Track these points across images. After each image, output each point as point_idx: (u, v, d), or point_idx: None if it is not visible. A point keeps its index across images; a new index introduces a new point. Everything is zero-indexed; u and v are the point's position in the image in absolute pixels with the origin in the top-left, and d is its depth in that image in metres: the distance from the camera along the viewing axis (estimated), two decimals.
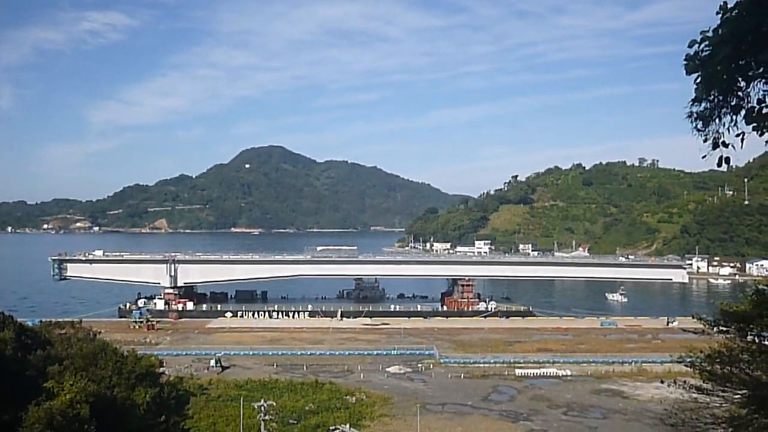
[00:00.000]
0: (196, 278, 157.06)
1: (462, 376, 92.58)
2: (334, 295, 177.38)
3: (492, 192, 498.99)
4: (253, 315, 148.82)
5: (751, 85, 8.58)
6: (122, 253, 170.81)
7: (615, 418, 72.65)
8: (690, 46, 8.95)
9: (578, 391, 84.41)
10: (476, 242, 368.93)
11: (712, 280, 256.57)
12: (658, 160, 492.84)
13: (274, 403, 61.13)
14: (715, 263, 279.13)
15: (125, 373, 53.39)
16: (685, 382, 26.52)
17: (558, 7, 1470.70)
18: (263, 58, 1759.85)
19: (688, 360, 26.97)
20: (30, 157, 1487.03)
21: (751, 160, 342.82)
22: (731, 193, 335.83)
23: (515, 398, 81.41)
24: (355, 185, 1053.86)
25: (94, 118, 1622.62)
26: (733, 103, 8.83)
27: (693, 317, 30.49)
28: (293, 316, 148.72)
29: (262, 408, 56.99)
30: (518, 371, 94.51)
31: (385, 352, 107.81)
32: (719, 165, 9.39)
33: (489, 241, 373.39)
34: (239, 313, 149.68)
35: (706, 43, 8.75)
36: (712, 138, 9.13)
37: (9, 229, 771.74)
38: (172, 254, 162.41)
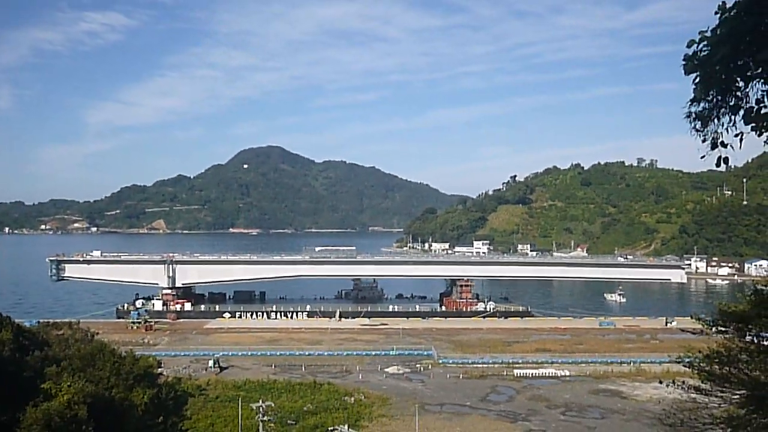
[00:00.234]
0: (194, 279, 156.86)
1: (460, 376, 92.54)
2: (332, 296, 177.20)
3: (490, 192, 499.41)
4: (252, 315, 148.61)
5: (750, 85, 8.56)
6: (120, 254, 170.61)
7: (613, 419, 72.63)
8: (688, 46, 8.94)
9: (577, 392, 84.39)
10: (475, 242, 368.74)
11: (710, 280, 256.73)
12: (656, 160, 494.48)
13: (273, 404, 61.11)
14: (713, 263, 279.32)
15: (123, 373, 53.34)
16: (683, 382, 26.50)
17: (556, 7, 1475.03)
18: (262, 59, 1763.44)
19: (687, 360, 26.94)
20: (28, 157, 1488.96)
21: (749, 160, 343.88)
22: (730, 193, 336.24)
23: (514, 398, 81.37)
24: (354, 185, 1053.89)
25: (92, 118, 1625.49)
26: (731, 103, 8.81)
27: (691, 317, 30.47)
28: (291, 317, 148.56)
29: (261, 408, 56.94)
30: (517, 371, 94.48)
31: (383, 353, 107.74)
32: (718, 165, 9.39)
33: (487, 242, 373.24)
34: (237, 314, 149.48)
35: (705, 43, 8.73)
36: (710, 138, 9.12)
37: (6, 229, 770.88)
38: (170, 255, 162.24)
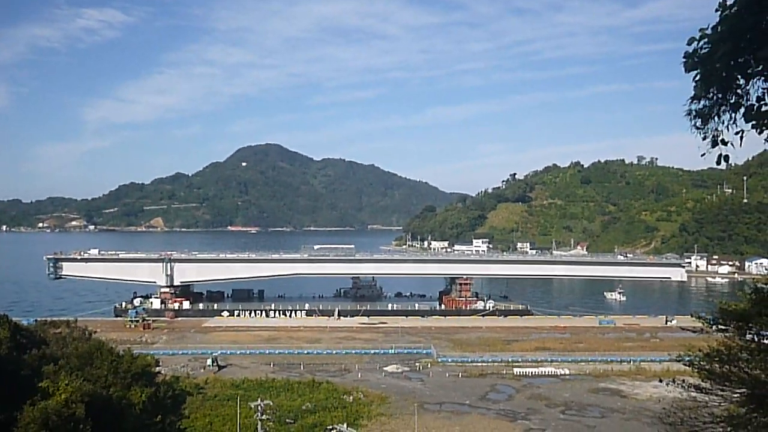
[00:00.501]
0: (192, 277, 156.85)
1: (460, 375, 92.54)
2: (331, 294, 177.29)
3: (490, 190, 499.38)
4: (250, 314, 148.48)
5: (750, 83, 8.51)
6: (118, 252, 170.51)
7: (613, 417, 72.64)
8: (689, 44, 8.87)
9: (576, 390, 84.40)
10: (474, 241, 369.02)
11: (710, 279, 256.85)
12: (656, 158, 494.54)
13: (271, 403, 60.98)
14: (713, 261, 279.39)
15: (121, 372, 53.21)
16: (683, 380, 26.36)
17: (555, 4, 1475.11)
18: (260, 56, 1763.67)
19: (687, 359, 26.81)
20: (25, 155, 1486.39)
21: (750, 158, 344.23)
22: (730, 191, 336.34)
23: (513, 397, 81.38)
24: (353, 183, 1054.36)
25: (89, 116, 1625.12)
26: (732, 101, 8.75)
27: (691, 316, 30.35)
28: (290, 315, 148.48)
29: (259, 407, 56.87)
30: (516, 370, 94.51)
31: (382, 351, 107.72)
32: (718, 163, 9.31)
33: (487, 240, 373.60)
34: (236, 312, 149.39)
35: (705, 40, 8.67)
36: (711, 136, 9.05)
37: (4, 227, 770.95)
38: (169, 253, 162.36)
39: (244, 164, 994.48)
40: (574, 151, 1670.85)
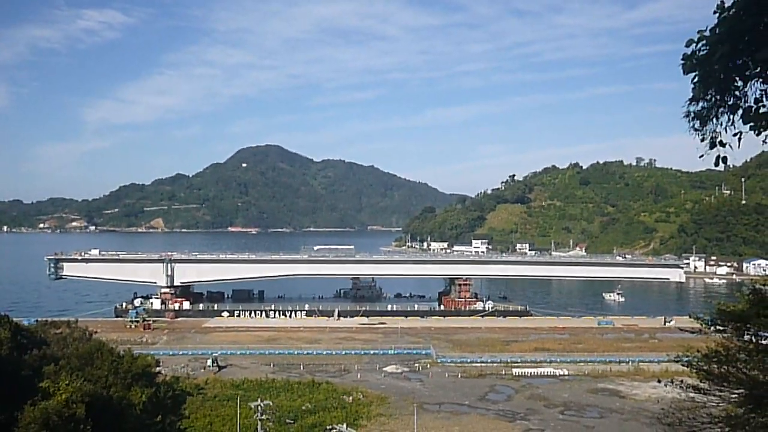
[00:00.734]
0: (192, 277, 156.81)
1: (459, 375, 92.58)
2: (331, 295, 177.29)
3: (489, 191, 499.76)
4: (250, 314, 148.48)
5: (749, 85, 8.55)
6: (118, 253, 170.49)
7: (612, 418, 72.70)
8: (687, 45, 8.92)
9: (575, 391, 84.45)
10: (473, 241, 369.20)
11: (709, 280, 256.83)
12: (655, 160, 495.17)
13: (271, 403, 61.05)
14: (712, 263, 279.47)
15: (121, 372, 53.29)
16: (682, 381, 26.48)
17: (555, 5, 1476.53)
18: (259, 57, 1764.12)
19: (685, 359, 26.94)
20: (26, 156, 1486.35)
21: (748, 160, 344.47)
22: (728, 192, 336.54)
23: (512, 398, 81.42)
24: (352, 184, 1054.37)
25: (89, 116, 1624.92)
26: (730, 103, 8.80)
27: (690, 317, 30.47)
28: (290, 316, 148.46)
29: (259, 408, 56.93)
30: (515, 371, 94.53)
31: (382, 352, 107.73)
32: (716, 164, 9.36)
33: (486, 241, 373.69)
34: (236, 313, 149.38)
35: (704, 42, 8.72)
36: (709, 137, 9.10)
37: (5, 228, 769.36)
38: (169, 253, 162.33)
39: (244, 165, 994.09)
40: (574, 153, 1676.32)
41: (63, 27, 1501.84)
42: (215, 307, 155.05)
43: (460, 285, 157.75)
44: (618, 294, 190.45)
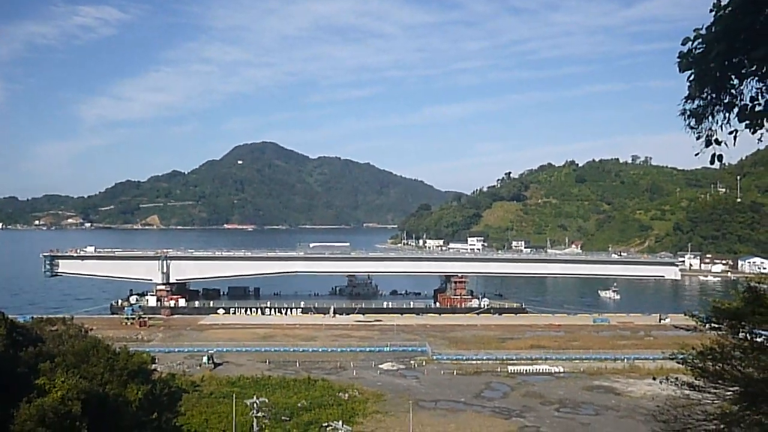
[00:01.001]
0: (188, 275, 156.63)
1: (455, 372, 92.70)
2: (326, 292, 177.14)
3: (485, 189, 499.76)
4: (246, 312, 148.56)
5: (744, 83, 8.56)
6: (114, 250, 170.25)
7: (607, 415, 72.90)
8: (683, 44, 8.93)
9: (571, 388, 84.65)
10: (469, 239, 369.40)
11: (704, 278, 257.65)
12: (651, 158, 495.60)
13: (267, 400, 61.11)
14: (707, 260, 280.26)
15: (117, 369, 53.27)
16: (677, 378, 26.51)
17: (552, 3, 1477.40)
18: (256, 54, 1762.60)
19: (680, 357, 26.99)
20: (21, 152, 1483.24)
21: (743, 158, 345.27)
22: (724, 190, 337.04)
23: (508, 395, 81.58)
24: (348, 182, 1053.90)
25: (85, 113, 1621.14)
26: (726, 101, 8.81)
27: (685, 314, 30.59)
28: (286, 313, 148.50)
29: (255, 405, 56.94)
30: (511, 368, 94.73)
31: (377, 349, 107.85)
32: (712, 162, 9.38)
33: (482, 238, 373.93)
34: (232, 310, 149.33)
35: (700, 40, 8.73)
36: (705, 135, 9.12)
37: (0, 225, 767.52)
38: (165, 250, 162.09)
39: (240, 162, 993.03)
40: (569, 150, 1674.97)
41: (59, 23, 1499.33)
42: (211, 305, 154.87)
43: (455, 282, 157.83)
44: (613, 291, 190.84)
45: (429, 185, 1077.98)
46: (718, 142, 9.05)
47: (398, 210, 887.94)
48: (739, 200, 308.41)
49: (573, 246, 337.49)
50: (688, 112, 9.24)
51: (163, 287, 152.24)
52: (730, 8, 8.32)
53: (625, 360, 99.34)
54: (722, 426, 23.39)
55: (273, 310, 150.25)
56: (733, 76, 8.59)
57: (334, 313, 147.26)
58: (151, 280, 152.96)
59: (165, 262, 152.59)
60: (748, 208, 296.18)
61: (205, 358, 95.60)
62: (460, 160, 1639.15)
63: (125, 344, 70.15)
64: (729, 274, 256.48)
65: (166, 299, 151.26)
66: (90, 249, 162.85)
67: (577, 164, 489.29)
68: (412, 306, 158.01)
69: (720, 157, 9.18)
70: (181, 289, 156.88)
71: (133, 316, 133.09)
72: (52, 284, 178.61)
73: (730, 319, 25.98)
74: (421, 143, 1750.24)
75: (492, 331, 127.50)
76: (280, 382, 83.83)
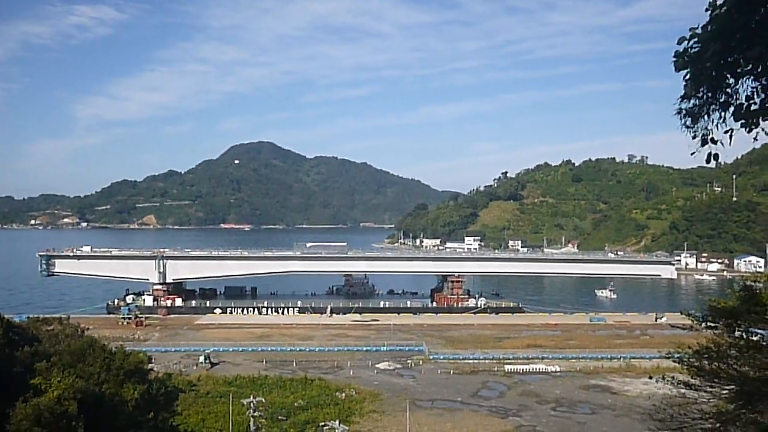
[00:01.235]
0: (185, 274, 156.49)
1: (451, 372, 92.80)
2: (323, 292, 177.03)
3: (481, 188, 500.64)
4: (243, 311, 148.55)
5: (740, 82, 8.59)
6: (110, 249, 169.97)
7: (604, 414, 73.04)
8: (679, 43, 8.95)
9: (567, 387, 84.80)
10: (466, 238, 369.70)
11: (700, 277, 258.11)
12: (647, 157, 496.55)
13: (264, 400, 61.13)
14: (703, 259, 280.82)
15: (113, 369, 53.15)
16: (673, 377, 26.55)
17: (548, 3, 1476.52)
18: (253, 54, 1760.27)
19: (677, 356, 27.01)
20: (17, 152, 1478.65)
21: (739, 157, 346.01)
22: (720, 189, 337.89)
23: (505, 394, 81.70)
24: (345, 181, 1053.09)
25: (81, 113, 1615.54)
26: (721, 100, 8.83)
27: (681, 313, 30.58)
28: (283, 313, 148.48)
29: (252, 404, 56.95)
30: (507, 367, 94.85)
31: (374, 349, 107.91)
32: (708, 161, 9.40)
33: (478, 238, 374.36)
34: (228, 310, 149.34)
35: (696, 40, 8.76)
36: (700, 135, 9.14)
37: None
38: (161, 250, 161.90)
39: (236, 162, 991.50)
40: (566, 150, 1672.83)
41: (54, 23, 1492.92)
42: (207, 304, 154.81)
43: (452, 282, 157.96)
44: (610, 291, 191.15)
45: (426, 185, 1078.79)
46: (714, 141, 9.08)
47: (395, 209, 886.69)
48: (734, 199, 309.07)
49: (569, 245, 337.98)
50: (684, 112, 9.26)
51: (159, 287, 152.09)
52: (725, 8, 8.34)
53: (622, 359, 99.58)
54: (718, 424, 23.44)
55: (270, 309, 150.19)
56: (728, 76, 8.61)
57: (331, 312, 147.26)
58: (147, 279, 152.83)
59: (161, 261, 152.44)
60: (744, 207, 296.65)
61: (201, 358, 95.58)
62: (457, 160, 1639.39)
63: (122, 344, 70.07)
64: (725, 273, 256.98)
65: (162, 299, 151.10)
66: (86, 248, 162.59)
67: (574, 164, 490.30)
68: (408, 305, 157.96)
69: (716, 156, 9.20)
70: (177, 288, 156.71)
71: (130, 316, 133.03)
72: (48, 284, 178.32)
73: (725, 317, 26.01)
74: (418, 143, 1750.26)
75: (489, 330, 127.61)
76: (276, 382, 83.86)
